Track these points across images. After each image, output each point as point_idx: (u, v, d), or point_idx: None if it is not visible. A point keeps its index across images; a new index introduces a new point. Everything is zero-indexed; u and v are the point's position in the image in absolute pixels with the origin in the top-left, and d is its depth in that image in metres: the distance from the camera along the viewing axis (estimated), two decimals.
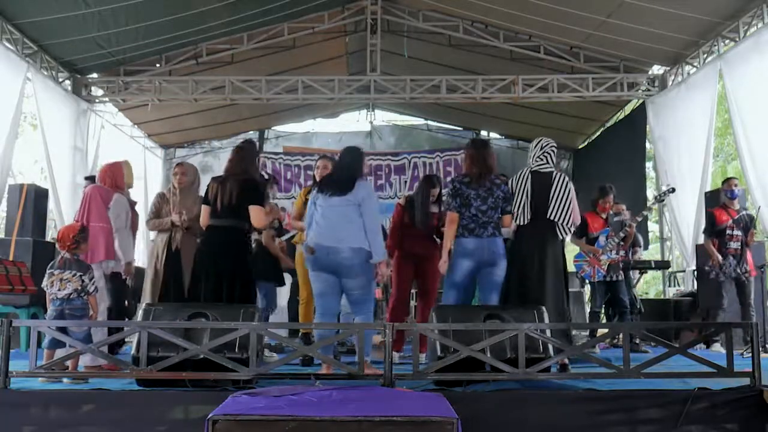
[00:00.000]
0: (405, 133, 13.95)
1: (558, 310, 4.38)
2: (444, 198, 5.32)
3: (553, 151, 4.62)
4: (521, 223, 4.55)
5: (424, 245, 5.35)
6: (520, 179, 4.57)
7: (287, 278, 6.53)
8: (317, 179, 5.31)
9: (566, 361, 4.17)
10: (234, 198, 4.33)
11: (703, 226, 7.01)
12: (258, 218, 4.36)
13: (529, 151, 4.71)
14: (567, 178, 4.59)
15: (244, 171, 4.46)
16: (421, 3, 9.67)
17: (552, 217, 4.47)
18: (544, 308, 3.91)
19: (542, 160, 4.58)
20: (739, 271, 6.36)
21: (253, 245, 5.79)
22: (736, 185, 6.56)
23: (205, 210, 4.47)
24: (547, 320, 3.86)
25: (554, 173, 4.56)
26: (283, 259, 6.03)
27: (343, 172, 4.42)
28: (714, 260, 6.39)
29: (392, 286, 5.49)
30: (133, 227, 4.97)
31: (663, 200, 7.15)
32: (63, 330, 3.80)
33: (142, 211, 5.67)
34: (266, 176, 5.40)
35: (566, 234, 4.58)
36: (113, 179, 4.82)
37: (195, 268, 4.48)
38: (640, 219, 6.82)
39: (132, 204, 4.98)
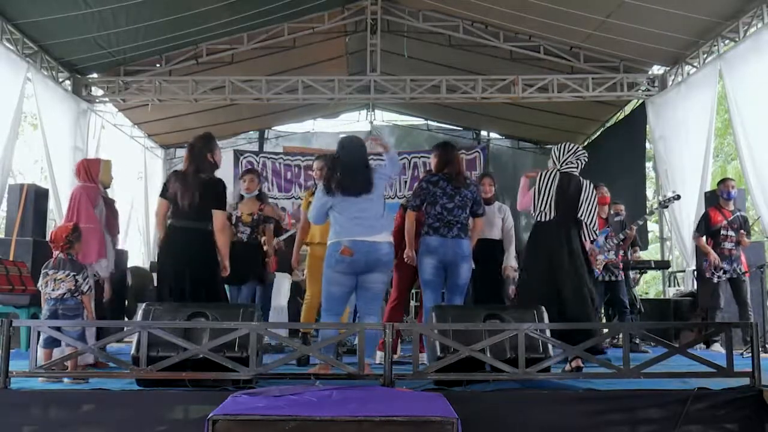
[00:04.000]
0: (405, 133, 13.97)
1: (592, 304, 4.41)
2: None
3: (584, 159, 4.66)
4: (543, 220, 4.55)
5: None
6: (547, 178, 4.56)
7: (287, 278, 6.51)
8: (317, 182, 5.26)
9: (581, 363, 4.10)
10: (197, 199, 4.22)
11: None
12: (220, 224, 4.28)
13: (557, 151, 4.68)
14: (593, 185, 4.63)
15: (205, 169, 4.34)
16: (421, 3, 9.67)
17: (582, 217, 4.50)
18: (543, 308, 3.90)
19: (573, 164, 4.60)
20: (735, 270, 6.37)
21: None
22: (732, 186, 6.54)
23: (163, 204, 4.35)
24: (546, 320, 3.85)
25: (581, 179, 4.61)
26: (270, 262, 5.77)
27: (358, 173, 4.10)
28: (711, 258, 6.39)
29: (392, 286, 5.46)
30: (110, 226, 4.83)
31: (667, 206, 7.14)
32: (58, 330, 3.79)
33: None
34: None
35: (591, 236, 4.60)
36: (87, 173, 4.78)
37: (159, 269, 4.38)
38: (641, 222, 6.80)
39: (109, 202, 4.87)
